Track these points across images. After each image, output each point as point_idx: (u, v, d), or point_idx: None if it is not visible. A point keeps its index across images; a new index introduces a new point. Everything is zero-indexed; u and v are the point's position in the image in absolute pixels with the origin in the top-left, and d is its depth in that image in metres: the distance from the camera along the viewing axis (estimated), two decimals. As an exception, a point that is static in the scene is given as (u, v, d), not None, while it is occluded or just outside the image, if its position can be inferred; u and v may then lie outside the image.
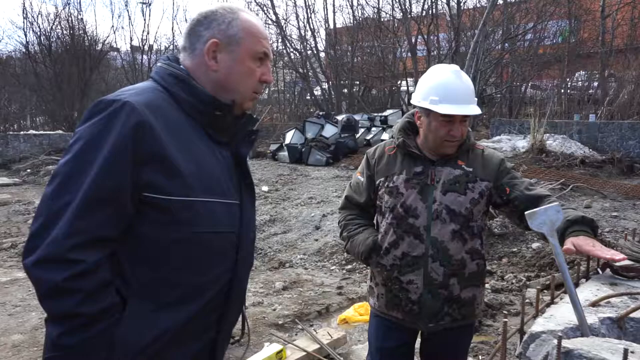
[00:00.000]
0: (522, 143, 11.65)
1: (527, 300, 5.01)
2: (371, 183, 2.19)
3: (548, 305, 1.54)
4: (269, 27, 21.25)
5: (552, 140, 11.25)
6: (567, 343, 1.16)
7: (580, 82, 17.32)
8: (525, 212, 1.51)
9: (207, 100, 1.37)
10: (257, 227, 7.33)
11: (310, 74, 20.31)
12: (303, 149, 12.43)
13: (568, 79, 17.33)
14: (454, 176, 2.03)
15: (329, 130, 12.85)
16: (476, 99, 2.05)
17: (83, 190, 1.18)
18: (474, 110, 1.99)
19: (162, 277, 1.28)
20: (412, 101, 2.10)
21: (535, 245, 6.26)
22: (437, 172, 2.04)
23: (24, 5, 23.49)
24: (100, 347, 1.21)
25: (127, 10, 35.66)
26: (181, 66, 1.41)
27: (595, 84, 17.20)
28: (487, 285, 5.38)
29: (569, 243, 1.68)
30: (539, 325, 1.30)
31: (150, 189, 1.24)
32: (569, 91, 17.01)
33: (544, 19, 16.14)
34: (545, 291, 5.19)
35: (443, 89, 1.99)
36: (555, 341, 1.16)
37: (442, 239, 2.00)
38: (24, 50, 21.35)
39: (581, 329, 1.29)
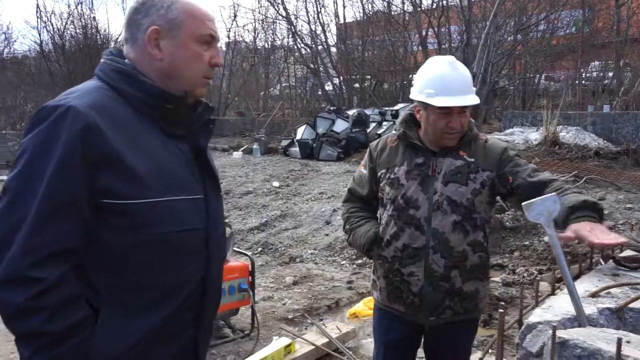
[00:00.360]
0: (534, 135, 11.52)
1: (539, 294, 4.98)
2: (373, 175, 2.20)
3: (548, 296, 1.53)
4: (279, 23, 21.27)
5: (565, 132, 11.11)
6: (562, 333, 1.15)
7: (594, 73, 17.06)
8: (522, 203, 1.51)
9: (156, 94, 1.30)
10: (266, 222, 7.35)
11: (321, 69, 20.28)
12: (314, 145, 12.43)
13: (582, 70, 17.08)
14: (455, 167, 2.02)
15: (340, 125, 12.83)
16: (474, 88, 2.03)
17: (35, 204, 1.13)
18: (471, 100, 1.98)
19: (131, 282, 1.24)
20: (410, 95, 2.11)
21: (547, 238, 6.19)
22: (438, 163, 2.04)
23: (37, 5, 23.80)
24: None
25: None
26: (126, 60, 1.34)
27: (610, 74, 16.93)
28: (498, 279, 5.35)
29: (569, 230, 1.64)
30: (536, 316, 1.30)
31: (107, 195, 1.19)
32: (583, 82, 16.77)
33: (557, 9, 15.90)
34: (557, 284, 5.16)
35: (438, 81, 1.99)
36: (551, 331, 1.16)
37: (443, 230, 1.99)
38: (38, 49, 21.64)
39: (578, 320, 1.29)
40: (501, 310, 1.40)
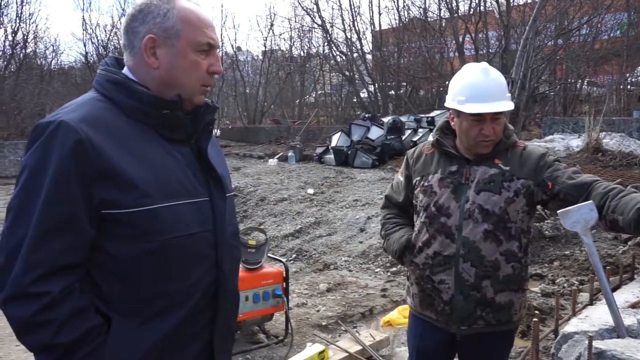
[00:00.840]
0: (576, 142, 11.19)
1: (579, 305, 4.82)
2: (409, 182, 2.20)
3: (585, 306, 1.49)
4: (315, 31, 21.44)
5: (609, 139, 10.75)
6: (599, 344, 1.12)
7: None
8: (558, 211, 1.47)
9: (149, 101, 1.28)
10: (301, 228, 7.34)
11: (356, 76, 20.30)
12: (349, 152, 12.43)
13: (627, 74, 16.49)
14: (489, 175, 1.99)
15: (375, 133, 12.79)
16: (508, 94, 1.99)
17: (34, 222, 1.16)
18: (503, 106, 1.95)
19: (139, 291, 1.25)
20: (445, 103, 2.10)
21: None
22: (472, 171, 2.02)
23: (83, 18, 24.75)
24: None
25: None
26: (124, 67, 1.35)
27: (658, 78, 16.28)
28: (537, 289, 5.21)
29: None
30: (572, 325, 1.27)
31: (107, 206, 1.20)
32: (628, 87, 16.18)
33: (600, 12, 15.43)
34: (596, 294, 4.98)
35: (469, 88, 1.98)
36: (588, 342, 1.13)
37: (473, 238, 1.97)
38: (83, 60, 22.49)
39: (617, 330, 1.25)
40: (535, 320, 1.37)
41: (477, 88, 1.97)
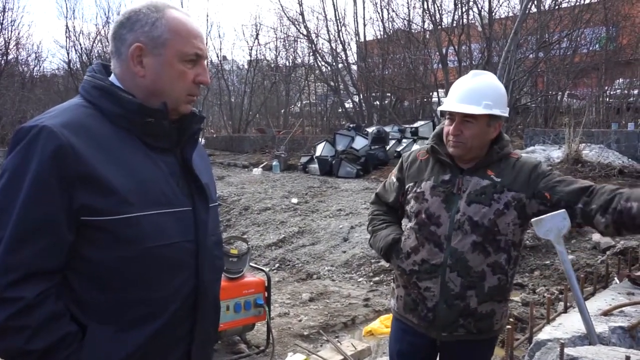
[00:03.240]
0: (557, 153, 11.36)
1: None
2: (401, 186, 2.21)
3: (560, 314, 1.51)
4: (300, 42, 21.54)
5: (588, 150, 10.93)
6: (571, 351, 1.14)
7: (619, 90, 16.79)
8: (532, 220, 1.50)
9: (134, 109, 1.28)
10: (284, 238, 7.32)
11: (341, 86, 20.40)
12: (333, 162, 12.46)
13: (607, 87, 16.83)
14: (480, 187, 1.99)
15: (359, 143, 12.85)
16: (489, 103, 1.95)
17: (10, 225, 1.15)
18: (469, 109, 1.93)
19: (116, 298, 1.24)
20: None
21: (569, 257, 6.08)
22: (464, 181, 2.01)
23: (67, 26, 24.52)
24: None
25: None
26: (112, 74, 1.34)
27: (636, 91, 16.62)
28: (517, 298, 5.26)
29: None
30: (545, 333, 1.29)
31: (87, 212, 1.19)
32: (607, 99, 16.50)
33: (580, 26, 15.76)
34: (570, 302, 5.04)
35: (453, 88, 2.02)
36: (559, 349, 1.14)
37: (461, 249, 1.97)
38: (66, 67, 22.27)
39: (589, 337, 1.27)
40: (509, 327, 1.39)
41: (457, 89, 2.00)
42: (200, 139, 1.46)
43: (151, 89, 1.31)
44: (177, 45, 1.30)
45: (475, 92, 1.96)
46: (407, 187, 2.16)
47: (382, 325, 4.65)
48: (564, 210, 1.57)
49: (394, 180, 2.26)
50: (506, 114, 2.03)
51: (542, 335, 1.27)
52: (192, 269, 1.34)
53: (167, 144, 1.34)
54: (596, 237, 6.42)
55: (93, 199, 1.19)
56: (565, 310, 1.55)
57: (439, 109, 2.00)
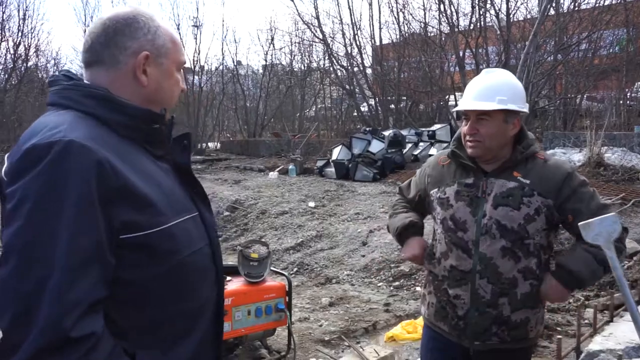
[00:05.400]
0: (577, 157, 11.17)
1: (586, 321, 4.75)
2: (422, 187, 2.20)
3: (607, 323, 1.44)
4: (315, 46, 21.57)
5: (610, 154, 10.74)
6: (628, 363, 1.08)
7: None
8: (580, 224, 1.44)
9: (140, 115, 1.23)
10: (302, 242, 7.38)
11: (357, 90, 20.36)
12: (350, 165, 12.40)
13: (627, 90, 16.54)
14: (507, 189, 1.92)
15: (376, 146, 12.78)
16: (503, 98, 1.87)
17: (62, 256, 1.00)
18: (482, 105, 1.88)
19: (156, 318, 1.18)
20: None
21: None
22: (489, 184, 1.95)
23: (84, 32, 24.87)
24: None
25: (179, 32, 36.73)
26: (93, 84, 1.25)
27: (657, 94, 16.32)
28: (542, 305, 5.15)
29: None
30: (596, 344, 1.22)
31: (127, 229, 1.11)
32: (628, 102, 16.22)
33: (599, 28, 15.53)
34: (605, 311, 4.90)
35: (467, 88, 1.99)
36: (615, 361, 1.08)
37: (490, 255, 1.91)
38: (84, 74, 22.50)
39: (644, 349, 1.20)
40: (559, 337, 1.32)
41: (471, 87, 1.96)
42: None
43: (151, 97, 1.27)
44: (175, 55, 1.31)
45: (489, 89, 1.91)
46: (431, 192, 2.12)
47: (404, 331, 4.58)
48: (614, 213, 1.51)
49: (416, 179, 2.28)
50: (525, 110, 1.95)
51: (593, 346, 1.20)
52: (213, 274, 1.33)
53: (163, 150, 1.30)
54: (622, 242, 6.28)
55: (132, 214, 1.11)
56: (611, 319, 1.48)
57: (454, 110, 1.97)
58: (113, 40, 1.23)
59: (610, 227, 1.38)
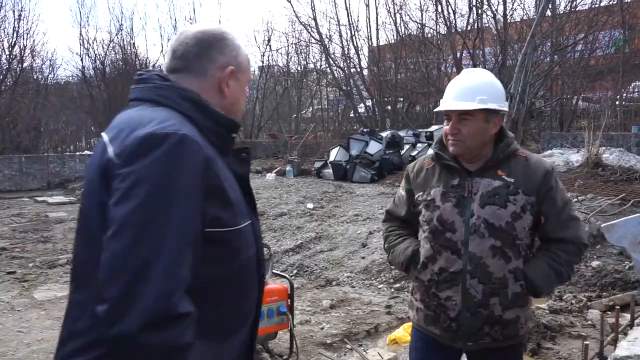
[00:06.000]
0: (575, 157, 11.20)
1: (589, 322, 4.72)
2: (410, 197, 2.16)
3: (630, 327, 1.41)
4: (312, 47, 21.55)
5: (608, 154, 10.76)
6: (658, 370, 1.04)
7: (636, 93, 16.56)
8: (602, 225, 1.42)
9: (227, 124, 1.32)
10: (301, 244, 7.30)
11: (353, 91, 20.36)
12: (347, 166, 12.38)
13: (623, 90, 16.60)
14: (493, 188, 1.93)
15: (374, 147, 12.77)
16: (484, 97, 1.90)
17: (172, 237, 1.08)
18: (465, 105, 1.90)
19: (217, 313, 1.23)
20: None
21: (595, 263, 5.93)
22: (474, 183, 1.95)
23: (80, 33, 24.69)
24: None
25: (176, 34, 36.65)
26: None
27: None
28: (544, 306, 5.11)
29: None
30: (623, 349, 1.19)
31: (213, 224, 1.18)
32: (624, 103, 16.28)
33: (595, 29, 15.58)
34: (609, 312, 4.87)
35: (447, 88, 2.01)
36: (645, 367, 1.04)
37: (480, 254, 1.91)
38: (80, 75, 22.42)
39: (672, 354, 1.17)
40: (587, 343, 1.29)
41: (451, 88, 1.98)
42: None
43: (229, 109, 1.36)
44: (248, 73, 1.43)
45: (469, 89, 1.93)
46: (417, 196, 2.11)
47: (406, 333, 4.53)
48: (638, 215, 1.47)
49: (403, 193, 2.21)
50: (505, 109, 1.97)
51: (619, 352, 1.17)
52: (257, 279, 1.39)
53: (229, 159, 1.37)
54: (622, 242, 6.27)
55: (219, 211, 1.20)
56: (632, 323, 1.44)
57: (435, 110, 2.00)
58: (205, 53, 1.34)
59: (635, 228, 1.35)
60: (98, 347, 1.09)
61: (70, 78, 24.46)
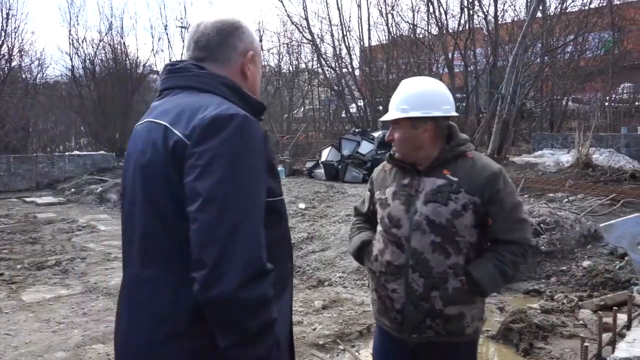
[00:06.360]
0: (566, 157, 11.28)
1: (580, 322, 4.73)
2: (371, 196, 2.32)
3: (627, 328, 1.39)
4: (304, 47, 21.52)
5: (598, 154, 10.85)
6: (658, 371, 1.03)
7: (625, 95, 16.72)
8: (601, 225, 1.41)
9: (258, 107, 1.43)
10: (293, 244, 7.22)
11: (345, 91, 20.36)
12: (339, 166, 12.37)
13: (612, 91, 16.75)
14: (437, 186, 2.02)
15: (365, 147, 12.77)
16: (405, 107, 2.04)
17: (251, 208, 1.20)
18: (389, 116, 2.08)
19: (277, 271, 1.29)
20: None
21: (586, 263, 5.95)
22: (421, 182, 2.06)
23: (70, 32, 24.49)
24: (276, 351, 1.26)
25: (167, 34, 36.54)
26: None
27: (642, 96, 16.54)
28: (535, 305, 5.12)
29: None
30: (622, 350, 1.17)
31: (269, 194, 1.30)
32: (613, 104, 16.43)
33: (585, 30, 15.70)
34: (600, 312, 4.90)
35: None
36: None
37: (421, 250, 2.00)
38: (69, 74, 22.23)
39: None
40: (587, 344, 1.27)
41: (392, 98, 2.14)
42: None
43: (250, 91, 1.45)
44: (261, 56, 1.53)
45: (396, 100, 2.09)
46: (375, 196, 2.25)
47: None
48: (638, 214, 1.46)
49: (367, 193, 2.37)
50: (430, 114, 2.03)
51: (619, 353, 1.15)
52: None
53: None
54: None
55: (272, 182, 1.33)
56: (629, 324, 1.43)
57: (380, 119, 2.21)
58: (226, 41, 1.43)
59: (635, 228, 1.34)
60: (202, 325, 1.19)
61: (60, 77, 24.24)
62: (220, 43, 1.43)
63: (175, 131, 1.25)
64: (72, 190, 13.95)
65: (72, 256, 7.35)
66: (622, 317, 4.44)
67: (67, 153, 17.99)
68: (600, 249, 6.44)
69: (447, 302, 2.00)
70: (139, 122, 1.44)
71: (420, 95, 2.07)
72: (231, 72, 1.43)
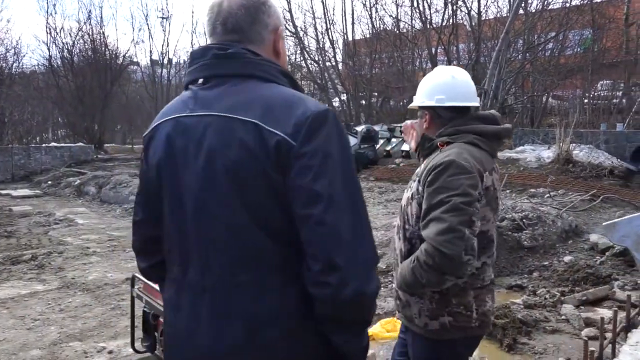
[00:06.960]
0: (547, 153, 11.38)
1: (563, 317, 4.76)
2: None
3: (627, 330, 1.36)
4: (287, 39, 21.35)
5: (578, 150, 10.97)
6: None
7: (604, 92, 16.98)
8: (604, 224, 1.36)
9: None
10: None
11: (328, 85, 20.28)
12: (322, 160, 12.30)
13: (592, 89, 16.98)
14: (414, 173, 2.08)
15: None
16: (421, 97, 2.10)
17: (362, 200, 1.22)
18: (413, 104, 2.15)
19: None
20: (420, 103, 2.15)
21: (567, 258, 6.00)
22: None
23: (47, 21, 23.90)
24: None
25: (147, 24, 35.71)
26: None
27: (619, 93, 16.82)
28: (519, 301, 5.14)
29: None
30: (626, 354, 1.13)
31: None
32: (592, 101, 16.67)
33: (566, 28, 15.87)
34: (581, 307, 4.93)
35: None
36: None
37: (395, 232, 2.10)
38: (47, 64, 21.71)
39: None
40: (592, 349, 1.23)
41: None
42: None
43: (283, 68, 1.39)
44: (283, 30, 1.44)
45: (420, 88, 2.17)
46: None
47: (383, 329, 4.48)
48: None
49: None
50: (423, 104, 2.07)
51: (623, 357, 1.11)
52: None
53: None
54: (594, 237, 6.33)
55: None
56: (628, 324, 1.40)
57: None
58: (257, 19, 1.33)
59: (639, 227, 1.29)
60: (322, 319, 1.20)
61: (36, 67, 23.68)
62: (251, 22, 1.33)
63: (275, 130, 1.19)
64: (49, 182, 13.65)
65: (48, 250, 7.15)
66: (602, 312, 4.49)
67: (44, 145, 17.60)
68: (581, 244, 6.50)
69: (398, 284, 2.01)
70: (183, 114, 1.30)
71: (422, 84, 2.16)
72: (266, 52, 1.35)
